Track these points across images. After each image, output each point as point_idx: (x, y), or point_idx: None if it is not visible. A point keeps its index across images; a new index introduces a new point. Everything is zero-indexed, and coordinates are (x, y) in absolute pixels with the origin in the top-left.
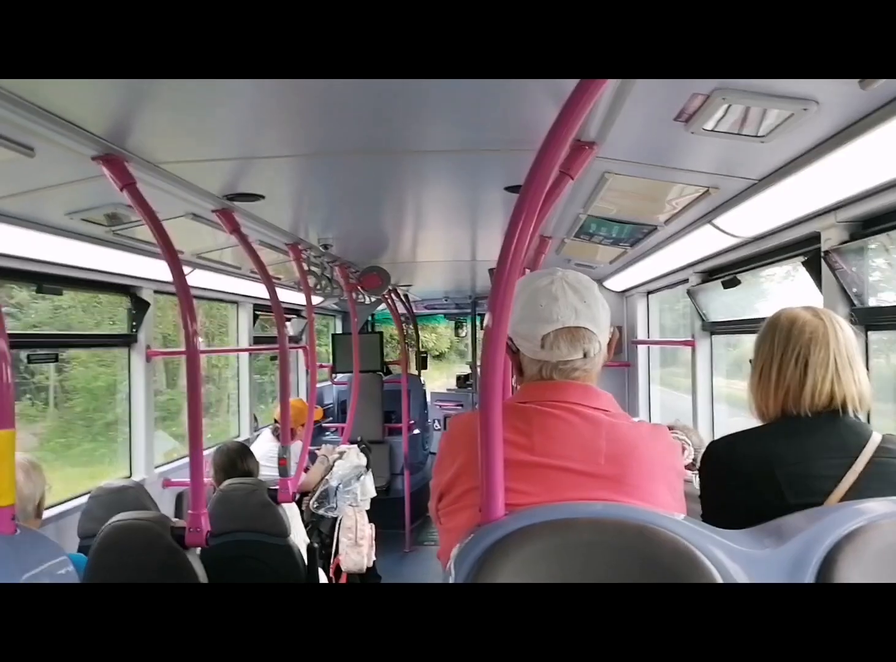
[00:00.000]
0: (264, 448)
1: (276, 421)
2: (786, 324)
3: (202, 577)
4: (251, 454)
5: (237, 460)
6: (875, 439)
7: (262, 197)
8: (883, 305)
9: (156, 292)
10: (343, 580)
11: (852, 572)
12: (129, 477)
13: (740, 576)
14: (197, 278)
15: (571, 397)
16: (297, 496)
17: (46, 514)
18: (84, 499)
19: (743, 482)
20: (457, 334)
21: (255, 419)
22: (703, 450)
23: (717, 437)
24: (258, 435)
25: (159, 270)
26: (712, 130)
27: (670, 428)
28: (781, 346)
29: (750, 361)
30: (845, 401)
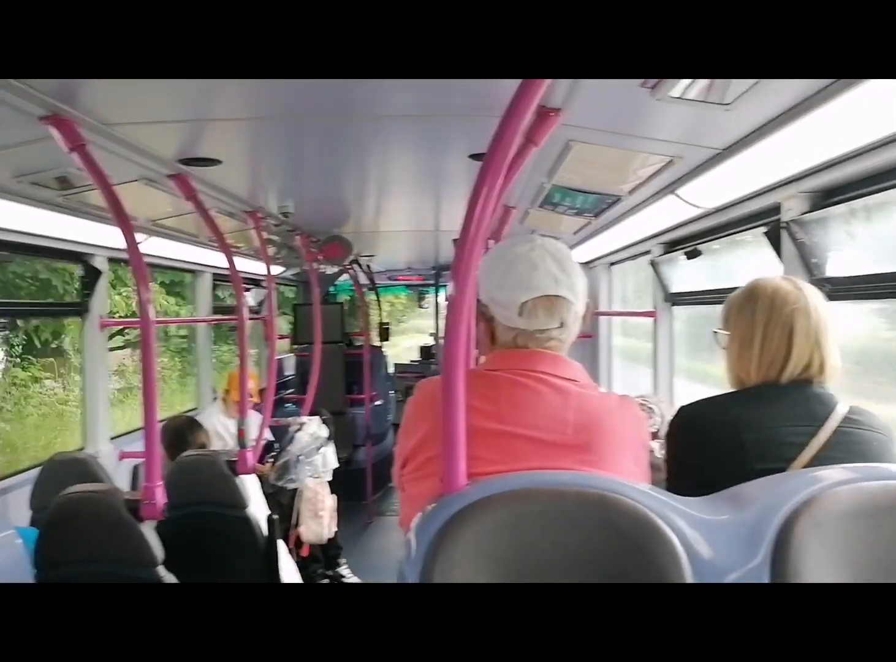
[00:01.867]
0: (211, 422)
1: (225, 391)
2: (769, 294)
3: (157, 550)
4: (200, 426)
5: (186, 434)
6: (841, 409)
7: (219, 162)
8: (841, 275)
9: (110, 259)
10: (305, 551)
11: (809, 538)
12: (83, 449)
13: (699, 543)
14: (153, 246)
15: (541, 366)
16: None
17: None
18: (35, 472)
19: (710, 446)
20: (419, 306)
21: (214, 390)
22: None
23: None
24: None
25: (113, 237)
26: (678, 98)
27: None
28: (765, 316)
29: (715, 332)
30: (822, 370)
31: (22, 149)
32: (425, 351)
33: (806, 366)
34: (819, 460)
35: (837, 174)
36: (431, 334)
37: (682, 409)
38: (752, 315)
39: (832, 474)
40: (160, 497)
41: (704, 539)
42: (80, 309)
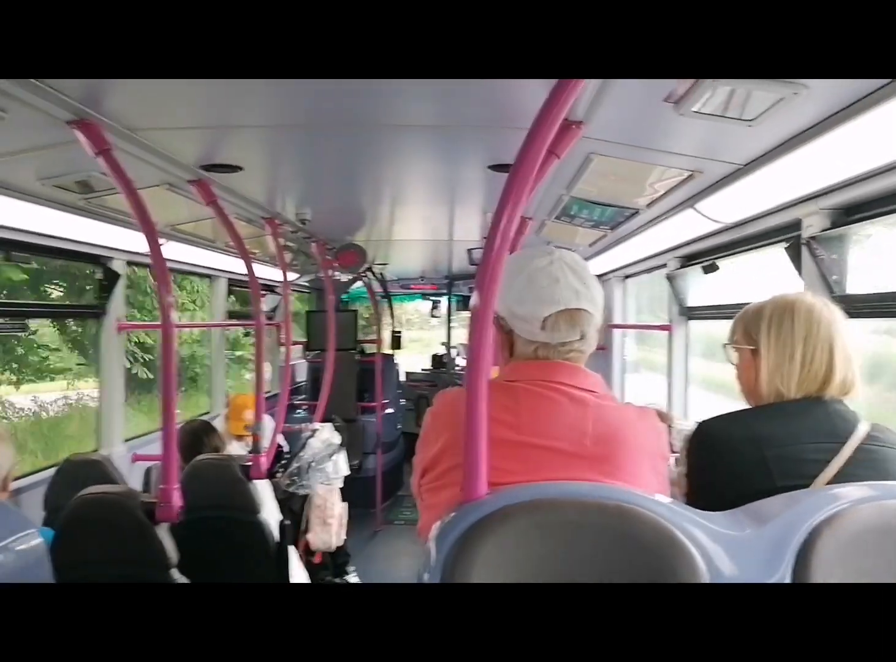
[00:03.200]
0: None
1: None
2: (803, 309)
3: (172, 553)
4: (215, 430)
5: (203, 437)
6: (863, 426)
7: (240, 168)
8: (862, 293)
9: (128, 263)
10: (317, 558)
11: (831, 555)
12: (97, 451)
13: (721, 557)
14: (171, 251)
15: (560, 377)
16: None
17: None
18: (50, 472)
19: (732, 463)
20: (432, 315)
21: (227, 395)
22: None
23: (689, 420)
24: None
25: (132, 240)
26: (700, 112)
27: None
28: (804, 330)
29: (724, 345)
30: (854, 387)
31: (47, 152)
32: (437, 360)
33: (844, 383)
34: (842, 477)
35: (859, 192)
36: (443, 344)
37: (702, 424)
38: (791, 329)
39: (854, 491)
40: (176, 500)
41: (725, 554)
42: (97, 311)
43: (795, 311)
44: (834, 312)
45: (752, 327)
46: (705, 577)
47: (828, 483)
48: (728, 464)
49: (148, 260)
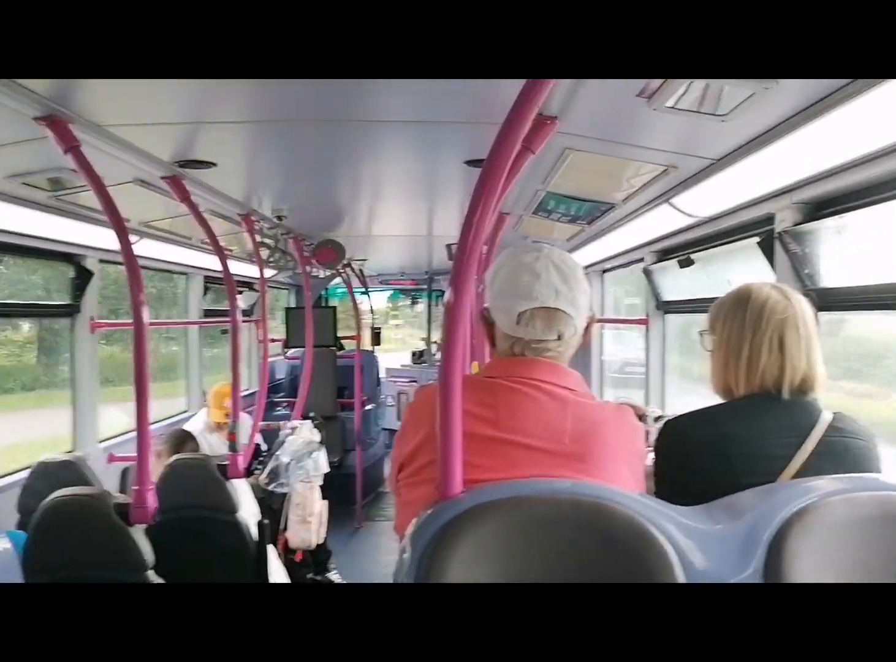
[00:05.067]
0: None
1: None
2: (757, 302)
3: (148, 554)
4: (193, 438)
5: (183, 444)
6: (825, 417)
7: (214, 164)
8: (834, 286)
9: (101, 261)
10: (298, 557)
11: (802, 548)
12: (72, 451)
13: (693, 552)
14: (144, 248)
15: (539, 374)
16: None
17: None
18: (24, 474)
19: (697, 461)
20: (412, 310)
21: (204, 393)
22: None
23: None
24: (191, 417)
25: (105, 238)
26: (674, 108)
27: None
28: (752, 325)
29: (701, 332)
30: (814, 383)
31: (14, 148)
32: (417, 355)
33: (803, 379)
34: (805, 471)
35: (831, 186)
36: (423, 339)
37: (668, 423)
38: (742, 323)
39: (824, 484)
40: (151, 501)
41: (698, 548)
42: (70, 310)
43: (749, 305)
44: (794, 304)
45: (714, 318)
46: (678, 571)
47: (792, 478)
48: (692, 463)
49: (121, 258)
